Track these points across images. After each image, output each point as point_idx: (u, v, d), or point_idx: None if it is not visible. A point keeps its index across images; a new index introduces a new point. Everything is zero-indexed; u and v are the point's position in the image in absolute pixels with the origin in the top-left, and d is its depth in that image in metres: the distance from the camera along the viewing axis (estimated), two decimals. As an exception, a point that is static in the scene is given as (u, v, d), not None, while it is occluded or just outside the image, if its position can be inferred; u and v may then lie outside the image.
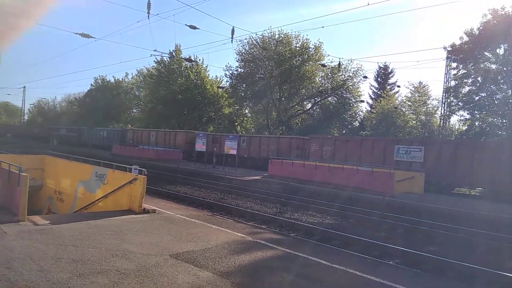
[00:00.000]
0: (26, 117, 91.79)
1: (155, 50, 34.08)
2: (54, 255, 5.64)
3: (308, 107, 47.48)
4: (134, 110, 69.01)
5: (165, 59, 49.62)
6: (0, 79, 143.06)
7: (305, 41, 41.43)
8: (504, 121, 30.36)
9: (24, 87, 79.38)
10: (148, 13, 17.10)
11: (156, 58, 49.58)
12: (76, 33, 18.69)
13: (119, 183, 10.09)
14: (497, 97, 30.86)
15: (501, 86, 30.13)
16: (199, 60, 49.82)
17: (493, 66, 30.21)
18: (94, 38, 20.07)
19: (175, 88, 48.41)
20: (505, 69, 28.99)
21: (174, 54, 48.93)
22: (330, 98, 44.53)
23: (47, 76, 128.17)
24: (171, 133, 40.65)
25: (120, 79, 67.50)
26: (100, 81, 66.82)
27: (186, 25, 19.66)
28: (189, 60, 39.76)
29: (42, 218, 8.38)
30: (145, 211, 9.46)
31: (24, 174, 7.90)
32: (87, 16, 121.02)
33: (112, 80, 66.75)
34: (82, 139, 52.44)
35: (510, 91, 29.72)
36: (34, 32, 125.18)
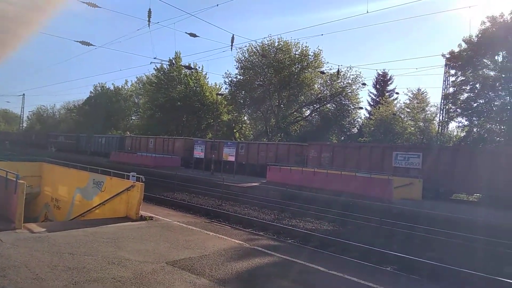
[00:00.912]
0: (24, 125, 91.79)
1: (155, 58, 34.31)
2: (50, 263, 5.60)
3: (307, 114, 47.57)
4: (133, 117, 69.11)
5: (165, 67, 49.84)
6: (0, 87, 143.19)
7: (304, 48, 41.66)
8: (503, 127, 30.42)
9: (24, 94, 79.51)
10: (149, 21, 17.20)
11: (156, 66, 49.84)
12: (77, 41, 18.76)
13: (116, 190, 10.06)
14: (495, 103, 30.98)
15: (499, 92, 30.25)
16: (199, 67, 50.08)
17: (492, 73, 30.36)
18: (95, 46, 20.11)
19: (174, 95, 48.52)
20: (503, 76, 29.13)
21: (174, 61, 49.12)
22: (329, 105, 44.64)
23: (46, 84, 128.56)
24: (170, 140, 40.64)
25: (120, 87, 67.77)
26: (99, 89, 67.02)
27: (186, 33, 19.79)
28: (188, 67, 39.88)
29: (39, 226, 8.34)
30: (142, 218, 9.42)
31: (21, 181, 7.87)
32: (88, 24, 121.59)
33: (112, 88, 66.98)
34: (80, 146, 52.37)
35: (508, 97, 29.83)
36: (34, 39, 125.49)
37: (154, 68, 51.05)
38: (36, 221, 11.27)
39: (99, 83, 67.10)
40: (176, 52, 50.63)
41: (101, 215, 10.30)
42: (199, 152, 32.35)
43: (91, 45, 19.23)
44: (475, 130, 32.39)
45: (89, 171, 12.07)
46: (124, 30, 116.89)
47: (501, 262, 9.36)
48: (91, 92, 67.97)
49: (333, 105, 44.32)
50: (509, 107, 29.68)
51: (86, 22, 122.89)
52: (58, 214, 13.19)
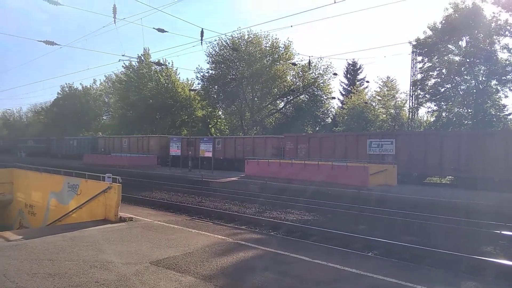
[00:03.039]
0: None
1: (123, 55, 33.50)
2: (29, 270, 5.44)
3: (281, 106, 47.83)
4: (104, 117, 67.60)
5: (134, 64, 48.93)
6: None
7: (274, 40, 41.79)
8: (470, 110, 31.55)
9: (-14, 98, 76.30)
10: (114, 17, 16.72)
11: (124, 63, 48.93)
12: (40, 41, 18.13)
13: (93, 192, 9.84)
14: (461, 88, 32.09)
15: (465, 77, 31.34)
16: (169, 63, 49.39)
17: (457, 58, 31.37)
18: (59, 45, 19.52)
19: (145, 93, 47.75)
20: (468, 60, 30.13)
21: (143, 58, 48.30)
22: (302, 96, 45.06)
23: (10, 87, 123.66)
24: (144, 138, 40.04)
25: (88, 86, 66.06)
26: (67, 89, 65.12)
27: (154, 28, 19.40)
28: (158, 63, 39.31)
29: (14, 234, 8.08)
30: (122, 220, 9.26)
31: (-8, 189, 7.59)
32: (51, 23, 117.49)
33: (80, 88, 65.22)
34: (51, 150, 50.89)
35: (473, 81, 30.93)
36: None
37: (122, 66, 50.18)
38: (11, 229, 10.91)
39: (66, 84, 65.30)
40: (144, 49, 49.92)
41: (78, 219, 10.06)
42: (175, 150, 32.02)
43: (56, 44, 18.64)
44: (444, 114, 33.47)
45: (63, 175, 11.75)
46: (89, 27, 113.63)
47: (476, 241, 9.75)
48: (58, 93, 66.05)
49: (306, 96, 44.78)
50: (474, 90, 30.78)
51: (48, 21, 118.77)
52: (34, 220, 12.81)
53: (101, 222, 9.03)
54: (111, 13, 16.62)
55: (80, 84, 65.36)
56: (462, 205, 14.07)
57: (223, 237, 7.94)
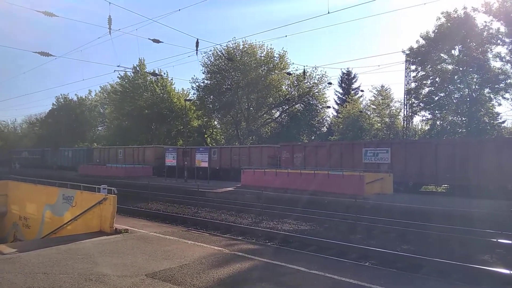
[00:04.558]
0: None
1: (118, 66, 33.50)
2: (24, 284, 5.38)
3: (277, 115, 47.95)
4: (99, 128, 67.33)
5: (129, 74, 48.91)
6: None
7: (269, 50, 42.05)
8: (463, 119, 31.77)
9: (-20, 110, 75.99)
10: (110, 28, 16.74)
11: (119, 74, 48.78)
12: (35, 52, 18.11)
13: (88, 204, 9.78)
14: (455, 96, 32.36)
15: (458, 85, 31.60)
16: (164, 73, 49.47)
17: (450, 67, 31.66)
18: (54, 56, 19.47)
19: (141, 103, 47.70)
20: (460, 69, 30.43)
21: (138, 68, 48.36)
22: (297, 105, 45.20)
23: (4, 98, 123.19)
24: (140, 149, 39.93)
25: (83, 97, 65.83)
26: (62, 100, 64.86)
27: (149, 39, 19.46)
28: (153, 74, 39.33)
29: (8, 247, 7.99)
30: (117, 232, 9.19)
31: (-14, 202, 7.53)
32: (46, 34, 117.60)
33: (75, 98, 65.00)
34: (46, 161, 50.59)
35: (466, 90, 31.19)
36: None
37: (118, 76, 49.94)
38: (5, 242, 10.79)
39: (61, 94, 64.99)
40: (140, 59, 49.90)
41: (73, 231, 9.96)
42: (171, 160, 31.94)
43: (50, 55, 18.60)
44: (438, 123, 33.67)
45: (58, 186, 11.67)
46: (84, 38, 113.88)
47: (472, 249, 9.76)
48: (53, 104, 65.71)
49: (302, 105, 44.94)
50: (468, 99, 31.04)
51: (43, 32, 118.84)
52: (28, 233, 12.68)
53: (96, 234, 8.96)
54: (107, 24, 16.62)
55: (75, 95, 65.12)
56: (457, 213, 14.10)
57: (220, 248, 7.90)
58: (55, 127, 60.98)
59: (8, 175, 16.86)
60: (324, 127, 47.51)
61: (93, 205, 9.56)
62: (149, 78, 48.44)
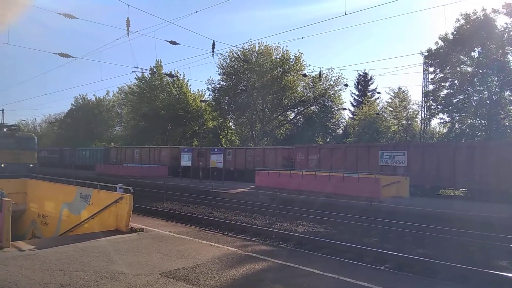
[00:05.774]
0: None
1: (136, 67, 33.98)
2: (41, 280, 5.48)
3: (292, 117, 47.82)
4: (116, 128, 68.34)
5: (146, 75, 49.47)
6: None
7: (285, 52, 41.96)
8: (483, 121, 31.11)
9: (3, 110, 77.69)
10: (128, 30, 16.97)
11: (137, 75, 49.25)
12: (55, 53, 18.47)
13: (104, 203, 9.91)
14: (474, 99, 31.69)
15: (478, 88, 30.95)
16: (181, 75, 49.88)
17: (469, 69, 31.03)
18: (74, 57, 19.84)
19: (157, 104, 48.23)
20: (480, 71, 29.81)
21: (155, 70, 48.86)
22: (312, 107, 45.01)
23: (26, 98, 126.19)
24: (156, 149, 40.34)
25: (101, 97, 66.97)
26: (80, 100, 66.17)
27: (166, 40, 19.63)
28: (170, 75, 39.69)
29: (27, 243, 8.16)
30: (133, 230, 9.29)
31: (6, 199, 7.71)
32: (66, 36, 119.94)
33: (93, 99, 66.16)
34: (64, 160, 51.52)
35: (486, 92, 30.53)
36: (10, 54, 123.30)
37: (135, 78, 50.53)
38: (24, 239, 11.01)
39: (80, 95, 66.37)
40: (157, 61, 50.36)
41: (90, 229, 10.12)
42: (186, 160, 32.17)
43: (70, 56, 18.96)
44: (456, 125, 33.03)
45: (76, 185, 11.87)
46: (103, 40, 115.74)
47: (490, 255, 9.54)
48: (72, 104, 67.12)
49: (317, 107, 44.72)
50: (487, 102, 30.38)
51: (63, 33, 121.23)
52: (46, 230, 12.93)
53: (112, 233, 9.07)
54: (125, 26, 16.86)
55: (94, 95, 66.32)
56: (476, 218, 13.80)
57: (234, 249, 7.90)
58: (73, 127, 62.19)
59: (28, 173, 17.20)
60: (340, 129, 47.19)
61: (110, 204, 9.68)
62: (165, 79, 48.94)
